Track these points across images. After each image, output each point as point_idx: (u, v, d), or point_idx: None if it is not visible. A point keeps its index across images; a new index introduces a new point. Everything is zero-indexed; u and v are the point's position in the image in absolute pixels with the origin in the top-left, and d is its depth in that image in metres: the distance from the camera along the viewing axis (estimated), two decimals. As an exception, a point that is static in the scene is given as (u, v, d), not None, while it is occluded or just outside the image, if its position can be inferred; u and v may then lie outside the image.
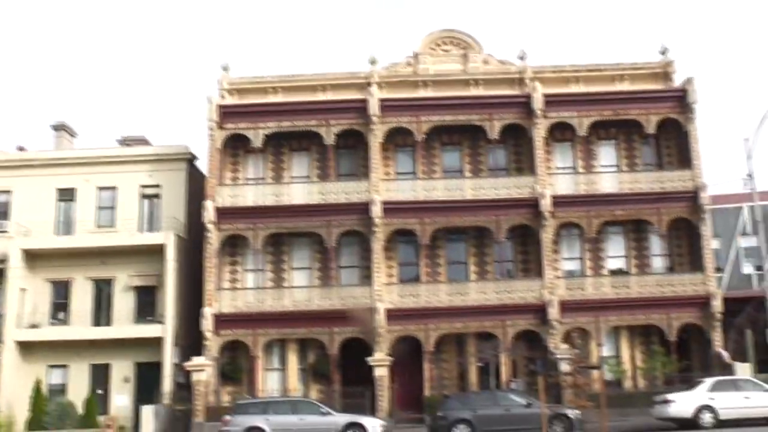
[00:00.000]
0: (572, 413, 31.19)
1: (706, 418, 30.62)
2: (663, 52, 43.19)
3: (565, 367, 36.10)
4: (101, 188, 42.70)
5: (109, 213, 42.56)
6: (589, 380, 36.00)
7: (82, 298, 41.54)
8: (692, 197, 40.09)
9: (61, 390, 40.48)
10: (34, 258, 41.40)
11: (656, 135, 41.64)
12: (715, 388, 31.42)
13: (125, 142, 46.36)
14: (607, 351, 39.96)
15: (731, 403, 30.84)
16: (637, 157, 42.67)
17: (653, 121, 40.94)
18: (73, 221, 42.43)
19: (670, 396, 31.81)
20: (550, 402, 33.50)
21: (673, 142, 42.71)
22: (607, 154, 42.88)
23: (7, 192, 42.77)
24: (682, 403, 31.05)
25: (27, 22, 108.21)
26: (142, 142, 46.20)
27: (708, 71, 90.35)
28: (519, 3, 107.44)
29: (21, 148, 45.36)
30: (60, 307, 41.83)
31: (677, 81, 42.53)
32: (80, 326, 40.91)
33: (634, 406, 36.44)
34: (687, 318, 39.22)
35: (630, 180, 40.84)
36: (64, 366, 40.97)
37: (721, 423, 30.51)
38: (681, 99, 41.28)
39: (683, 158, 41.75)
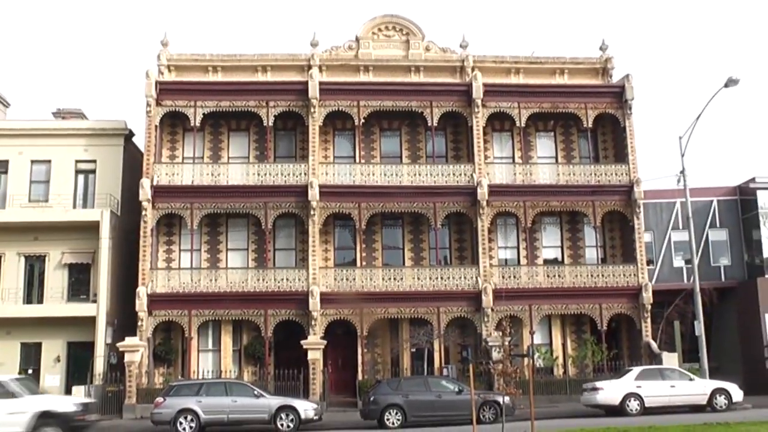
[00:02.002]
0: (502, 400, 31.47)
1: (633, 405, 31.32)
2: (602, 48, 43.81)
3: (496, 354, 36.48)
4: (35, 161, 41.69)
5: (43, 187, 41.58)
6: (520, 367, 36.37)
7: (13, 274, 40.61)
8: (627, 191, 40.84)
9: (-11, 369, 39.70)
10: (-37, 232, 40.48)
11: (593, 129, 42.35)
12: (642, 376, 32.16)
13: (61, 114, 45.31)
14: (539, 339, 40.55)
15: (657, 392, 31.64)
16: (574, 150, 43.35)
17: (591, 115, 41.58)
18: (5, 195, 41.41)
19: (598, 384, 32.44)
20: (481, 388, 33.91)
21: (609, 137, 43.55)
22: (544, 145, 43.50)
23: (-64, 162, 41.65)
24: (610, 391, 31.69)
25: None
26: (79, 115, 45.26)
27: (645, 68, 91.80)
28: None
29: (-50, 118, 44.19)
30: (-11, 283, 40.97)
31: (615, 77, 43.28)
32: (11, 304, 40.01)
33: (564, 393, 37.25)
34: (618, 308, 40.02)
35: (566, 172, 41.40)
36: (-7, 344, 40.20)
37: (646, 410, 31.21)
38: (618, 95, 41.99)
39: (619, 153, 42.54)
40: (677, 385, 32.04)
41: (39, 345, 40.19)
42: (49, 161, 41.79)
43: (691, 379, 32.52)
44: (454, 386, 32.06)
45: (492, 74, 42.46)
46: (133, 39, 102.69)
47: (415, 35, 43.26)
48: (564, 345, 41.14)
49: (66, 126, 42.83)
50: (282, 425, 30.02)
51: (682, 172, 38.14)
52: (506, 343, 35.05)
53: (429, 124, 41.07)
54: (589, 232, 42.20)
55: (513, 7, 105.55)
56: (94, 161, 42.01)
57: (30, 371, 39.35)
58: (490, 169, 41.21)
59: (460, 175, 40.63)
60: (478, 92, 40.89)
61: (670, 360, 37.73)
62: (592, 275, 40.33)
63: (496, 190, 40.25)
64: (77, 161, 41.99)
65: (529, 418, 24.21)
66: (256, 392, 31.33)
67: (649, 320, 39.81)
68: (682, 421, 27.32)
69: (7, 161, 41.67)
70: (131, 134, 42.77)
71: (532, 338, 39.73)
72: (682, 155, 37.76)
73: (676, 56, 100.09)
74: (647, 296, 39.68)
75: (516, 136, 42.71)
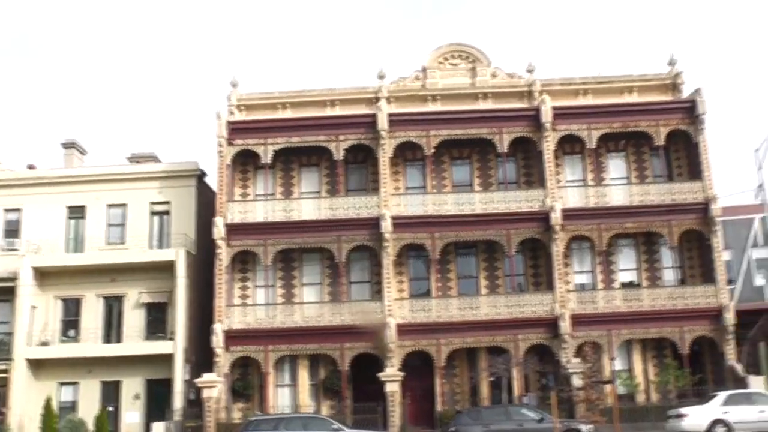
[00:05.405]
0: (585, 428, 31.10)
1: (721, 432, 30.46)
2: (671, 63, 43.15)
3: (577, 381, 35.98)
4: (111, 205, 42.78)
5: (119, 230, 42.61)
6: (602, 394, 35.82)
7: (92, 315, 41.55)
8: (703, 209, 39.97)
9: (71, 407, 40.48)
10: (44, 275, 41.49)
11: (666, 146, 41.51)
12: (729, 401, 31.26)
13: (135, 159, 46.41)
14: (619, 364, 39.80)
15: (746, 417, 30.64)
16: (647, 169, 42.59)
17: (662, 132, 40.85)
18: (84, 238, 42.52)
19: (683, 410, 31.66)
20: (563, 416, 33.43)
21: (682, 154, 42.66)
22: (616, 166, 42.84)
23: (18, 210, 42.93)
24: (695, 417, 30.87)
25: (36, 40, 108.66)
26: (152, 159, 46.25)
27: (717, 81, 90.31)
28: (527, 15, 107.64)
29: (31, 166, 45.43)
30: (70, 324, 41.86)
31: (686, 92, 42.51)
32: (91, 343, 40.96)
33: (647, 420, 36.37)
34: (699, 331, 39.05)
35: (640, 192, 40.73)
36: (74, 383, 40.99)
37: (735, 437, 30.33)
38: (690, 110, 41.18)
39: (693, 170, 41.66)
40: (767, 410, 31.01)
41: (118, 383, 40.91)
42: (125, 204, 42.80)
43: (780, 403, 31.52)
44: (535, 415, 31.81)
45: (560, 97, 42.07)
46: (204, 81, 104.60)
47: (481, 62, 43.14)
48: (645, 370, 40.23)
49: (140, 170, 43.76)
50: (362, 458, 29.97)
51: (760, 186, 37.22)
52: (587, 370, 34.81)
53: (499, 151, 40.84)
54: (666, 252, 41.32)
55: (578, 27, 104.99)
56: (168, 202, 42.80)
57: (110, 409, 39.95)
58: (563, 192, 40.75)
59: (533, 200, 40.27)
60: (547, 116, 40.55)
61: (757, 383, 36.58)
62: (671, 297, 39.51)
63: (569, 214, 39.78)
64: (152, 203, 42.88)
65: (613, 447, 23.66)
66: (334, 426, 31.43)
67: (732, 342, 38.72)
68: (774, 447, 26.51)
69: (84, 206, 42.85)
70: (203, 174, 43.40)
71: (613, 364, 39.03)
72: (759, 169, 36.91)
73: (748, 66, 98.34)
74: (729, 317, 38.68)
75: (587, 158, 42.17)
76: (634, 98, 42.66)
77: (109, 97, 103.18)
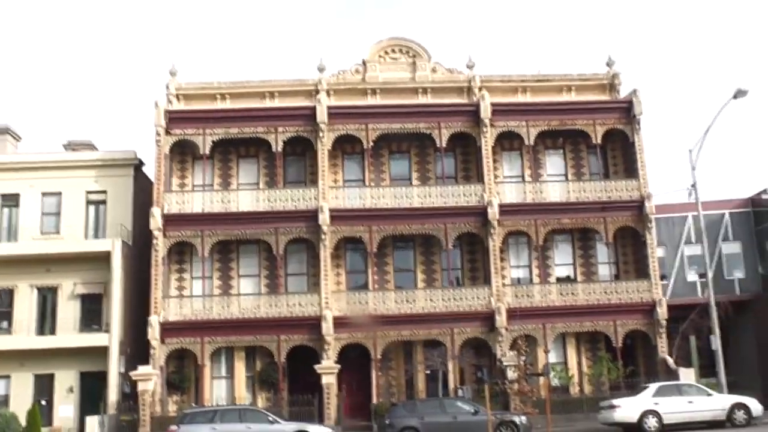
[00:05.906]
0: (519, 420, 31.45)
1: (651, 422, 31.03)
2: (609, 64, 43.77)
3: (511, 374, 36.37)
4: (46, 194, 41.84)
5: (54, 219, 41.73)
6: (536, 387, 36.24)
7: (25, 306, 40.61)
8: (638, 206, 40.65)
9: (3, 401, 39.53)
10: (-25, 265, 40.59)
11: (602, 145, 42.12)
12: (660, 393, 31.88)
13: (71, 146, 45.48)
14: (554, 357, 40.31)
15: (675, 408, 31.32)
16: (583, 167, 43.16)
17: (599, 131, 41.44)
18: (17, 227, 41.51)
19: (615, 401, 32.17)
20: (497, 409, 33.76)
21: (619, 152, 43.33)
22: (554, 163, 43.35)
23: (-51, 197, 41.87)
24: (627, 409, 31.40)
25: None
26: (89, 147, 45.39)
27: (653, 82, 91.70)
28: (468, 11, 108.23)
29: (-38, 152, 44.41)
30: (2, 315, 40.85)
31: (623, 92, 43.15)
32: (23, 335, 40.04)
33: (580, 411, 36.95)
34: (633, 324, 39.71)
35: (577, 189, 41.26)
36: (6, 376, 40.03)
37: (665, 427, 31.00)
38: (626, 110, 41.86)
39: (629, 168, 42.34)
40: (695, 400, 31.71)
41: (52, 376, 40.11)
42: (60, 193, 41.89)
43: (709, 395, 32.20)
44: (469, 407, 32.05)
45: (499, 93, 42.41)
46: (142, 69, 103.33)
47: (421, 57, 43.33)
48: (579, 363, 40.85)
49: (76, 158, 42.98)
50: (297, 450, 29.93)
51: (694, 185, 37.78)
52: (521, 363, 35.22)
53: (438, 146, 41.03)
54: (601, 248, 42.01)
55: (518, 25, 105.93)
56: (105, 192, 42.09)
57: (43, 402, 39.24)
58: (501, 188, 41.12)
59: (471, 195, 40.54)
60: (485, 112, 40.85)
61: (687, 375, 37.38)
62: (605, 292, 40.13)
63: (506, 210, 40.13)
64: (88, 192, 42.09)
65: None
66: (270, 418, 31.31)
67: (664, 336, 39.51)
68: (702, 437, 27.04)
69: (18, 194, 41.86)
70: (141, 164, 42.87)
71: (547, 357, 39.51)
72: (693, 169, 37.45)
73: (684, 68, 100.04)
74: (662, 312, 39.41)
75: (525, 155, 42.58)
76: (572, 97, 43.24)
77: (46, 82, 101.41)
